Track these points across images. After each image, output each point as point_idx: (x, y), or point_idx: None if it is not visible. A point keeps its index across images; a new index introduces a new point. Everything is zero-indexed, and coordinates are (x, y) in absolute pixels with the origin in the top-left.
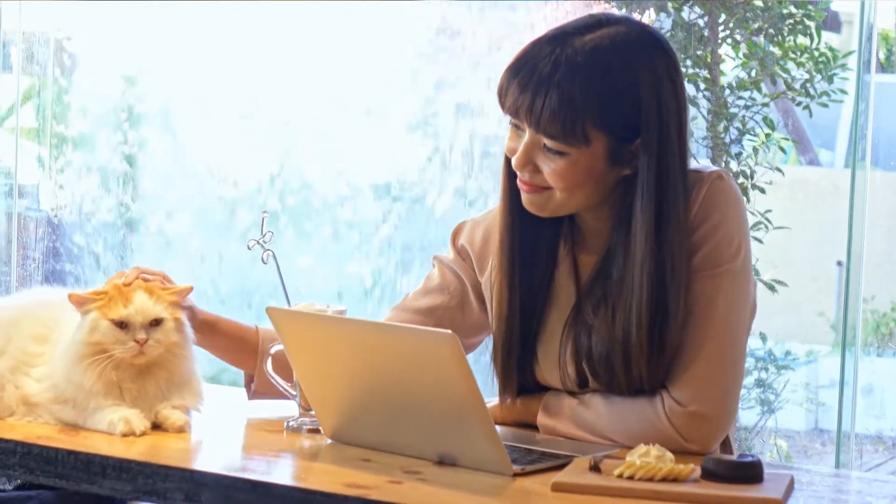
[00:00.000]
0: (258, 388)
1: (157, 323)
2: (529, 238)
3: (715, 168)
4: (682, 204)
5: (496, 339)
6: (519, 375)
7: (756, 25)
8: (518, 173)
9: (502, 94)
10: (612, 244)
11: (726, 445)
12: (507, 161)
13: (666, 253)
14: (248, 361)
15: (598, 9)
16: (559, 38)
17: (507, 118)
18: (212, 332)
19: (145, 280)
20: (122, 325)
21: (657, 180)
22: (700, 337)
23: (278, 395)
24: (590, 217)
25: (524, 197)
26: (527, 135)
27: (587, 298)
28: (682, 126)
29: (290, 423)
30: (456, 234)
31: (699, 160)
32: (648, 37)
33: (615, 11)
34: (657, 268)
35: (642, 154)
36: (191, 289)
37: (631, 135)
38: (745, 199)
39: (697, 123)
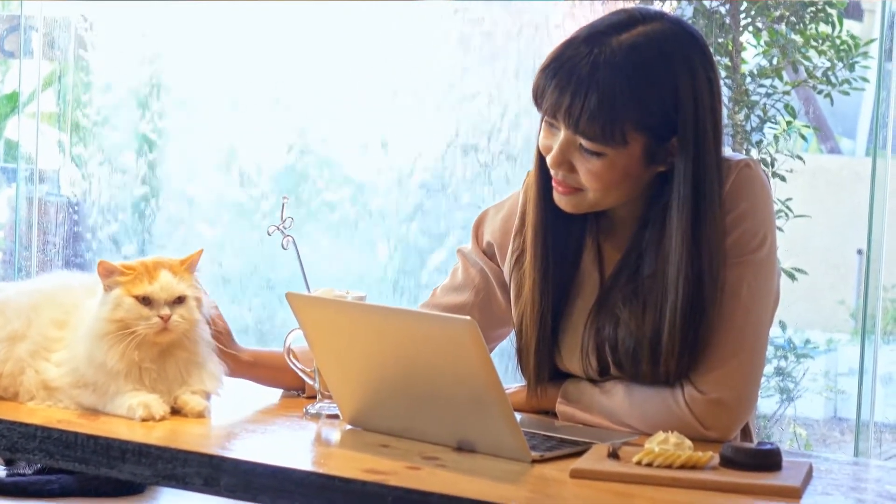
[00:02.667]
0: (309, 393)
1: (180, 301)
2: (561, 232)
3: (743, 157)
4: (717, 203)
5: (527, 329)
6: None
7: (778, 13)
8: (552, 173)
9: (539, 95)
10: (643, 240)
11: (746, 434)
12: (540, 157)
13: (704, 254)
14: (291, 384)
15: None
16: (595, 38)
17: (533, 112)
18: (255, 369)
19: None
20: (145, 301)
21: (694, 179)
22: (722, 325)
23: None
24: (619, 208)
25: (557, 196)
26: (562, 134)
27: (615, 290)
28: (717, 123)
29: (310, 409)
30: (478, 227)
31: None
32: (685, 34)
33: (646, 5)
34: (694, 269)
35: (679, 153)
36: (201, 251)
37: (668, 134)
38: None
39: None
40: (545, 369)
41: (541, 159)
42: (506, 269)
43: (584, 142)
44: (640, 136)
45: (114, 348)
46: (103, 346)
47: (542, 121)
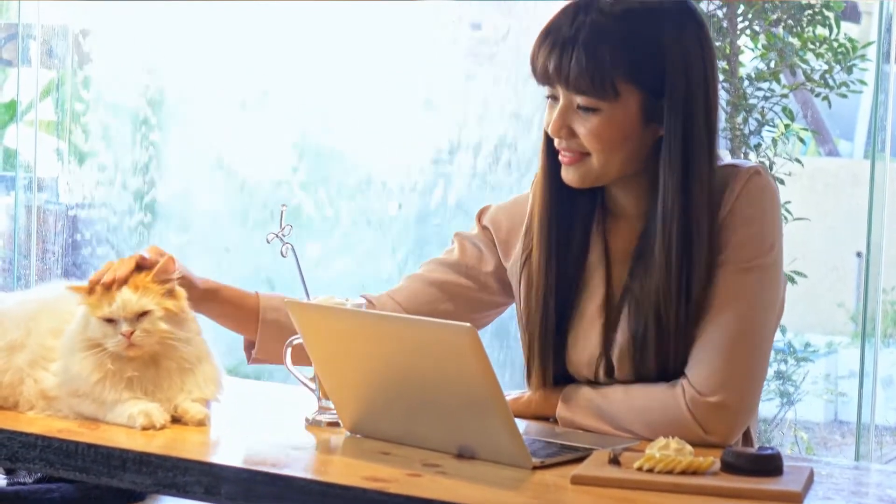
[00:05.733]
0: (258, 354)
1: (144, 315)
2: (565, 220)
3: (752, 164)
4: (707, 167)
5: (531, 326)
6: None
7: (775, 16)
8: (556, 144)
9: (533, 61)
10: (650, 234)
11: (748, 438)
12: (547, 140)
13: (692, 209)
14: (249, 327)
15: None
16: (586, 3)
17: (537, 102)
18: (213, 299)
19: (143, 261)
20: (109, 321)
21: (683, 140)
22: (726, 329)
23: (278, 361)
24: (622, 196)
25: (564, 170)
26: (561, 100)
27: (625, 287)
28: (710, 92)
29: (310, 417)
30: (481, 214)
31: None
32: (678, 2)
33: None
34: (683, 221)
35: (668, 113)
36: (170, 259)
37: (660, 90)
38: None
39: None
40: (549, 370)
41: (548, 142)
42: (511, 267)
43: (578, 99)
44: (632, 88)
45: (86, 361)
46: (76, 359)
47: (546, 99)
